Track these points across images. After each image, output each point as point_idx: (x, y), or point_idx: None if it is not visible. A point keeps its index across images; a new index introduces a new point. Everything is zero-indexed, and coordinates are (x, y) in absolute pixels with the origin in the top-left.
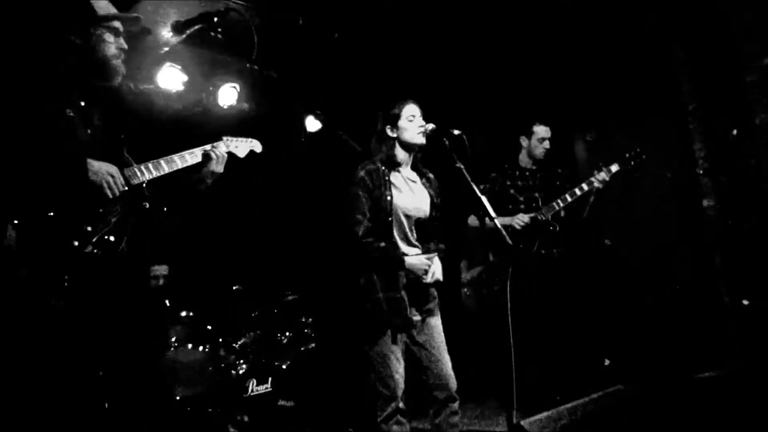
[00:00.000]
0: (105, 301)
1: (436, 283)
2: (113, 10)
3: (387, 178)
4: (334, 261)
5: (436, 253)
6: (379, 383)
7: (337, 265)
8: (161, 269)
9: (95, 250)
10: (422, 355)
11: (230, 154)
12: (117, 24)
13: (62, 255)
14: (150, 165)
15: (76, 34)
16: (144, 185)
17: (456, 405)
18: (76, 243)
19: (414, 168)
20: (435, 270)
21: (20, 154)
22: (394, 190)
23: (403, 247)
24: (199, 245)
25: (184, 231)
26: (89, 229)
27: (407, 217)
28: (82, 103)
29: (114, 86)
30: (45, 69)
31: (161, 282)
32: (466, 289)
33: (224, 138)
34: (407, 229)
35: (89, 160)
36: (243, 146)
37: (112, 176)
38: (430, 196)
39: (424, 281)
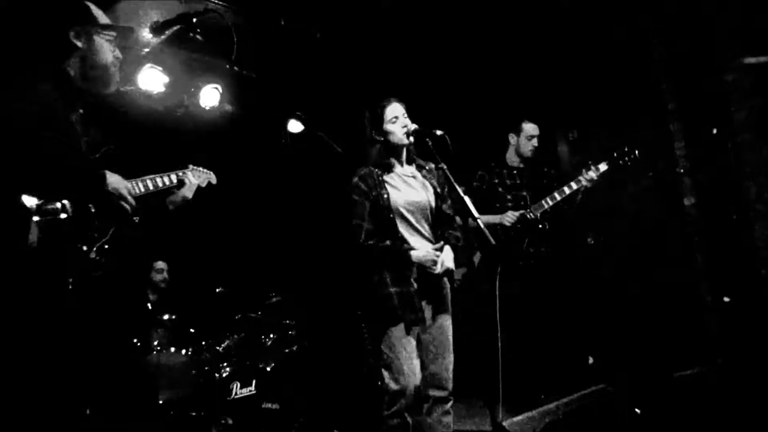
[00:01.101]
0: (101, 306)
1: (448, 272)
2: (108, 20)
3: (381, 178)
4: (319, 262)
5: (444, 243)
6: (389, 378)
7: (323, 265)
8: (161, 264)
9: (98, 257)
10: (424, 352)
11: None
12: (114, 33)
13: (72, 258)
14: (139, 182)
15: (78, 37)
16: None
17: (449, 405)
18: (85, 248)
19: (410, 163)
20: (444, 259)
21: (46, 156)
22: (390, 189)
23: (414, 241)
24: (182, 248)
25: (167, 235)
26: (95, 235)
27: (410, 211)
28: (81, 111)
29: (108, 94)
30: (52, 70)
31: (165, 276)
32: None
33: (190, 166)
34: (415, 223)
35: (107, 173)
36: (203, 176)
37: (128, 189)
38: (433, 186)
39: (433, 272)
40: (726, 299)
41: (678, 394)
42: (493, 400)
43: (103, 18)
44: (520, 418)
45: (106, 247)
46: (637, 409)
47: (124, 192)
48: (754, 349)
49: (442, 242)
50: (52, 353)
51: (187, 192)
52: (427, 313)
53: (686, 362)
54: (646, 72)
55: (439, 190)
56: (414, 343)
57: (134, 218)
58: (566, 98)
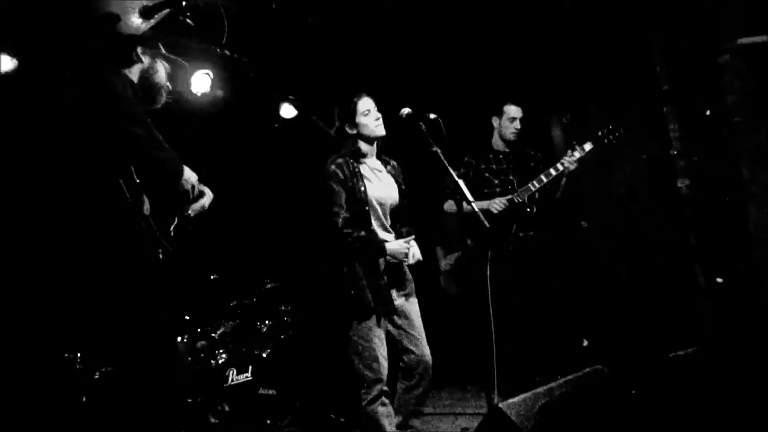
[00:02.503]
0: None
1: (417, 263)
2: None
3: (357, 169)
4: (313, 249)
5: (411, 236)
6: (363, 367)
7: (316, 255)
8: None
9: (173, 235)
10: (402, 337)
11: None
12: (170, 65)
13: (160, 231)
14: None
15: (144, 54)
16: None
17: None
18: (166, 225)
19: (378, 157)
20: (415, 252)
21: (149, 148)
22: (366, 181)
23: (381, 234)
24: (176, 235)
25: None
26: (169, 217)
27: (381, 205)
28: None
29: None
30: (124, 75)
31: None
32: (444, 275)
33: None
34: (382, 217)
35: (184, 166)
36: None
37: (197, 182)
38: (397, 182)
39: (406, 263)
40: (719, 280)
41: (672, 374)
42: (488, 383)
43: (165, 51)
44: (515, 399)
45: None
46: (632, 390)
47: (195, 183)
48: (746, 329)
49: (412, 236)
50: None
51: (206, 201)
52: (399, 301)
53: (680, 343)
54: (640, 54)
55: (402, 186)
56: (384, 331)
57: (189, 212)
58: (560, 82)
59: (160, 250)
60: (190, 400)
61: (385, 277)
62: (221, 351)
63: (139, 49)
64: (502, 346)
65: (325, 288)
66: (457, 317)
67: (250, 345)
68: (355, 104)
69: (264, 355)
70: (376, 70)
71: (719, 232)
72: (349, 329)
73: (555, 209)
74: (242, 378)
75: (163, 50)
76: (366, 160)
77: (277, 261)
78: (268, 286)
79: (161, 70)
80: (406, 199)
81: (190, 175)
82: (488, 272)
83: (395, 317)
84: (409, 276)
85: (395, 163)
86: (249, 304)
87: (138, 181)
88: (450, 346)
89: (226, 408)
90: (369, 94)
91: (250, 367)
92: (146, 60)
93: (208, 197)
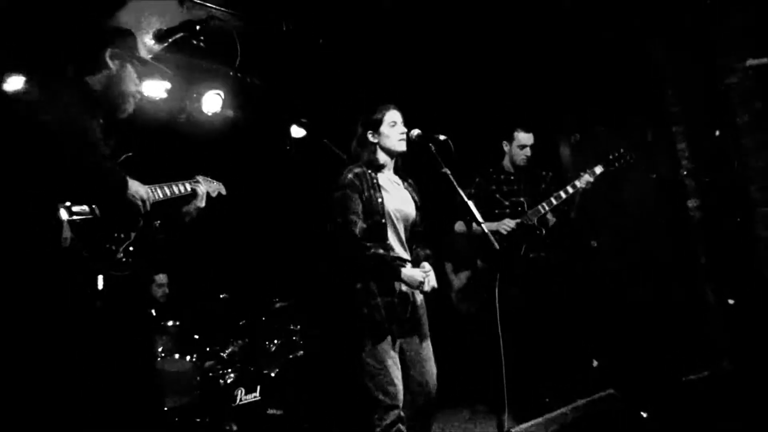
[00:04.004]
0: (124, 306)
1: (433, 290)
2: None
3: (375, 180)
4: (323, 266)
5: (427, 262)
6: (377, 391)
7: (327, 270)
8: (162, 278)
9: (123, 257)
10: (409, 361)
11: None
12: (146, 69)
13: (101, 257)
14: (157, 188)
15: (113, 59)
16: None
17: (432, 411)
18: (112, 247)
19: (395, 172)
20: (430, 279)
21: (69, 161)
22: (383, 192)
23: (397, 250)
24: (186, 254)
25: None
26: (121, 236)
27: (398, 219)
28: (101, 121)
29: (118, 119)
30: (79, 81)
31: (165, 290)
32: (456, 294)
33: (199, 177)
34: (400, 232)
35: (129, 180)
36: (213, 186)
37: (147, 195)
38: (414, 200)
39: (422, 291)
40: (730, 302)
41: (686, 398)
42: (499, 407)
43: (143, 52)
44: (527, 425)
45: (131, 249)
46: (644, 414)
47: (145, 197)
48: (760, 351)
49: (425, 259)
50: (77, 350)
51: (200, 202)
52: (408, 324)
53: (692, 366)
54: (650, 75)
55: (419, 204)
56: (398, 353)
57: (155, 222)
58: (570, 102)
59: (100, 276)
60: (198, 420)
61: (399, 299)
62: (230, 370)
63: (108, 53)
64: (512, 367)
65: (337, 307)
66: (467, 336)
67: (258, 364)
68: (384, 113)
69: (272, 374)
70: (385, 91)
71: (730, 252)
72: (362, 351)
73: (569, 228)
74: (250, 398)
75: (141, 52)
76: (384, 171)
77: (287, 280)
78: (277, 305)
79: (130, 76)
80: (422, 219)
81: (137, 189)
82: (497, 294)
83: (404, 341)
84: (423, 303)
85: (411, 182)
86: (258, 323)
87: (62, 209)
88: (460, 366)
89: (234, 428)
90: (398, 108)
91: (259, 387)
92: (114, 66)
93: (201, 197)
